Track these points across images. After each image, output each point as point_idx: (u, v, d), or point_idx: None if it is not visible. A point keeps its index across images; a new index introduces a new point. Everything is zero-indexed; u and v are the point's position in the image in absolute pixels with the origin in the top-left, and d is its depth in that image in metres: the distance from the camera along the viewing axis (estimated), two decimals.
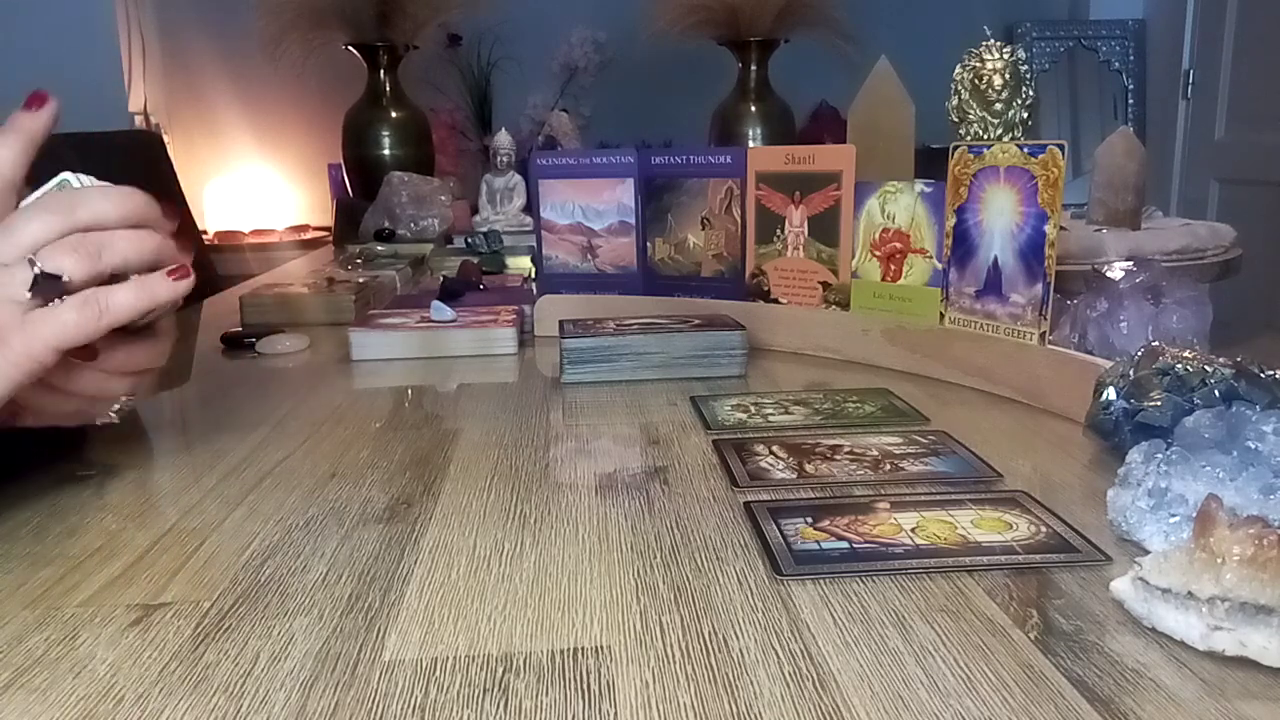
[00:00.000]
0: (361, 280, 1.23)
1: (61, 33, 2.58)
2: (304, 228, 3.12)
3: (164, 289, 0.51)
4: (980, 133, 0.79)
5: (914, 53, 1.31)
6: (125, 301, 0.50)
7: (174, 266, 0.52)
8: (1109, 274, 0.80)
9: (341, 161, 2.38)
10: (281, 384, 0.89)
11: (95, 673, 0.38)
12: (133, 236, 0.51)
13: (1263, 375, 0.55)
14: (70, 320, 0.48)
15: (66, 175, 0.52)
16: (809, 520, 0.51)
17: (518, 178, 1.85)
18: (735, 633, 0.40)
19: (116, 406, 0.57)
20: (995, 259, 0.75)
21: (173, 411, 0.78)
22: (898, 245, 0.84)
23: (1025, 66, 0.78)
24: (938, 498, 0.54)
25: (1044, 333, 0.72)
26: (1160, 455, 0.48)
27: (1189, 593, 0.37)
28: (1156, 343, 0.60)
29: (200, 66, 3.03)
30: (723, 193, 0.95)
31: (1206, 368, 0.55)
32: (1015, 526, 0.50)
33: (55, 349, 0.48)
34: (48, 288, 0.48)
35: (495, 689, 0.36)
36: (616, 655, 0.39)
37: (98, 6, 2.69)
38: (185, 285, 0.52)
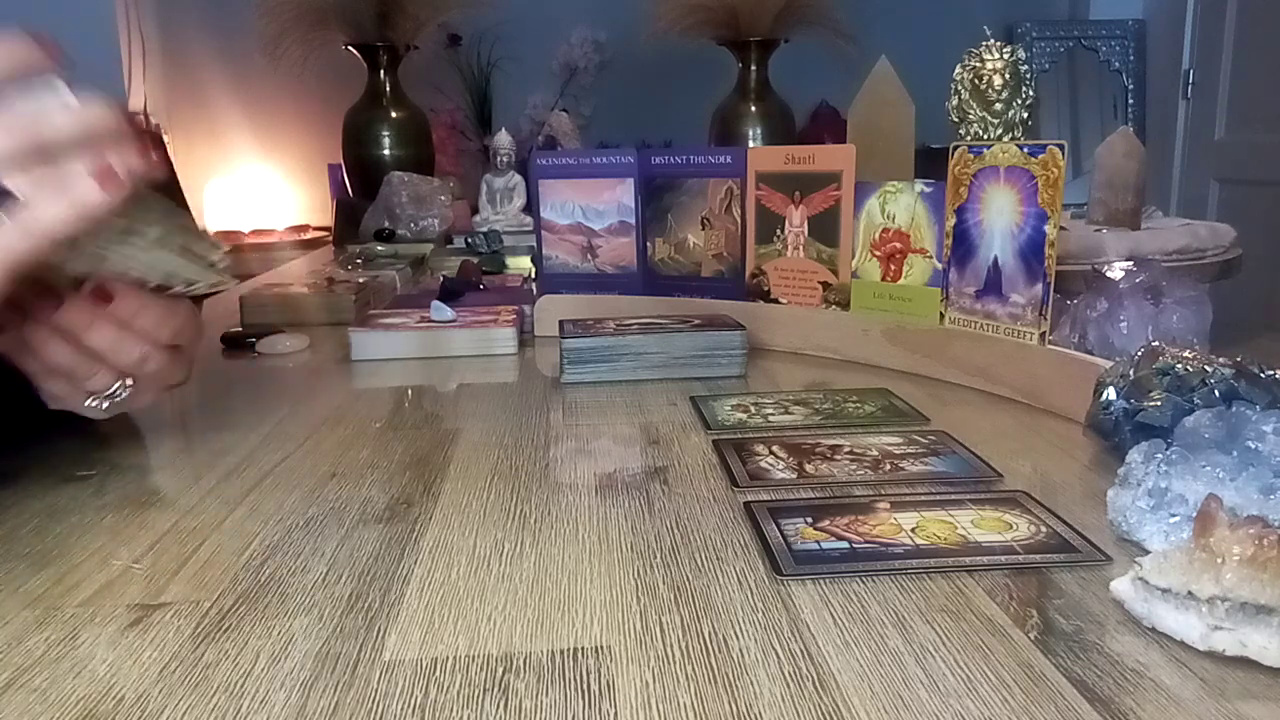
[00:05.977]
0: (361, 280, 1.23)
1: (61, 33, 2.57)
2: (304, 228, 3.12)
3: (94, 196, 0.46)
4: (980, 133, 0.79)
5: (914, 53, 1.31)
6: (52, 215, 0.46)
7: (103, 169, 0.47)
8: (1109, 274, 0.81)
9: (341, 161, 2.38)
10: (281, 384, 0.89)
11: (95, 673, 0.38)
12: (91, 158, 0.46)
13: (1263, 375, 0.55)
14: (8, 243, 0.45)
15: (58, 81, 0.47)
16: (809, 520, 0.51)
17: (518, 178, 1.85)
18: (735, 633, 0.40)
19: (106, 396, 0.56)
20: (995, 259, 0.75)
21: (173, 411, 0.78)
22: (898, 245, 0.84)
23: (1025, 66, 0.78)
24: (938, 498, 0.54)
25: (1044, 333, 0.72)
26: (1160, 455, 0.48)
27: (1189, 593, 0.37)
28: (1156, 343, 0.60)
29: (200, 66, 3.03)
30: (723, 193, 0.95)
31: (1206, 368, 0.55)
32: (1015, 526, 0.50)
33: (8, 271, 0.46)
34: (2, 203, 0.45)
35: (495, 689, 0.36)
36: (616, 655, 0.39)
37: (98, 6, 2.69)
38: (115, 194, 0.47)
